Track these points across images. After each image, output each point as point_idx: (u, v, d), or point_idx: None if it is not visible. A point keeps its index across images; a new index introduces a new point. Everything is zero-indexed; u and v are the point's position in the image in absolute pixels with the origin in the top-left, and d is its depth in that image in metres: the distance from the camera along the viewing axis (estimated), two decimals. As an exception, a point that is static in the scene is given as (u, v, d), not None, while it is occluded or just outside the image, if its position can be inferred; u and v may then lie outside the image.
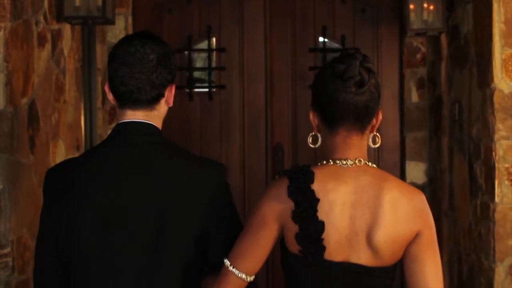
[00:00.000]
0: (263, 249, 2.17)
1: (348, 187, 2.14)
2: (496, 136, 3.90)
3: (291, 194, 2.12)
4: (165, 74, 2.31)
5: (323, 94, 2.19)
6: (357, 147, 2.20)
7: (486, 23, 4.00)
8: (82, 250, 2.26)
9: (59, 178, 2.34)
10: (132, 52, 2.28)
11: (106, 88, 2.35)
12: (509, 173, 3.90)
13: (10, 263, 3.29)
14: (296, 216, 2.10)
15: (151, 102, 2.30)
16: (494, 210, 3.92)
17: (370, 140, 2.24)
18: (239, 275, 2.17)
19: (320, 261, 2.11)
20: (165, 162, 2.28)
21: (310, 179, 2.12)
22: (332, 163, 2.18)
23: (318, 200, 2.11)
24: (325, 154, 2.23)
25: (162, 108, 2.35)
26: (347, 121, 2.17)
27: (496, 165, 3.90)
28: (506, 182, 3.90)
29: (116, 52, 2.31)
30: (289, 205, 2.12)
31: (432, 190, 5.37)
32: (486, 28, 4.01)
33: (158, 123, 2.34)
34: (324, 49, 5.44)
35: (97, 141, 4.97)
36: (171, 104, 2.37)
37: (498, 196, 3.90)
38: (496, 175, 3.90)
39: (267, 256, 2.20)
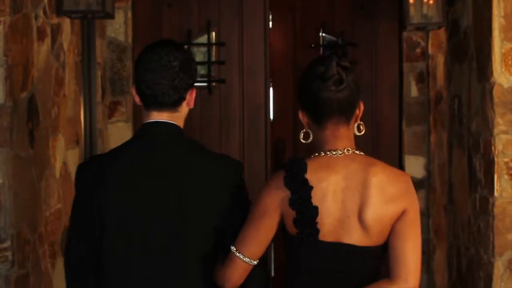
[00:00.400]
0: (265, 236, 2.42)
1: (338, 175, 2.38)
2: (496, 131, 3.91)
3: (287, 183, 2.36)
4: (186, 79, 2.54)
5: (308, 94, 2.44)
6: (344, 137, 2.44)
7: (485, 17, 4.00)
8: (111, 240, 2.48)
9: (90, 171, 2.55)
10: (156, 59, 2.51)
11: (133, 91, 2.58)
12: (508, 168, 3.90)
13: (10, 257, 3.29)
14: (292, 203, 2.35)
15: (174, 105, 2.55)
16: (493, 204, 3.92)
17: (355, 128, 2.48)
18: (244, 259, 2.42)
19: (315, 242, 2.36)
20: (187, 159, 2.52)
21: (304, 169, 2.36)
22: (323, 154, 2.43)
23: (311, 187, 2.35)
24: (317, 148, 2.46)
25: (184, 109, 2.60)
26: (333, 116, 2.42)
27: (496, 159, 3.90)
28: (505, 177, 3.90)
29: (142, 59, 2.55)
30: (287, 193, 2.37)
31: (431, 184, 5.38)
32: (485, 22, 4.01)
33: (180, 123, 2.58)
34: (323, 44, 5.44)
35: (97, 135, 4.97)
36: (191, 106, 2.62)
37: (497, 190, 3.90)
38: (496, 170, 3.91)
39: (270, 241, 2.44)
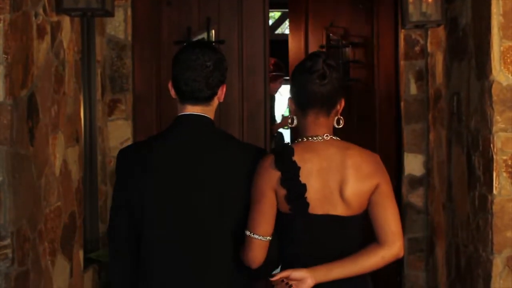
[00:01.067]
0: (269, 213, 2.74)
1: (321, 157, 2.74)
2: (494, 128, 3.91)
3: (278, 165, 2.70)
4: (219, 76, 2.87)
5: (296, 85, 2.81)
6: (324, 126, 2.79)
7: (484, 15, 4.01)
8: (150, 220, 2.78)
9: (131, 157, 2.86)
10: (194, 59, 2.83)
11: (169, 85, 2.90)
12: (507, 165, 3.91)
13: (10, 255, 3.30)
14: (283, 182, 2.70)
15: (207, 99, 2.88)
16: (492, 202, 3.93)
17: (335, 122, 2.82)
18: (260, 237, 2.74)
19: (306, 215, 2.72)
20: (218, 147, 2.84)
21: (291, 152, 2.71)
22: (306, 139, 2.78)
23: (299, 168, 2.70)
24: (300, 132, 2.82)
25: (215, 103, 2.92)
26: (314, 106, 2.77)
27: (494, 157, 3.91)
28: (504, 174, 3.91)
29: (181, 58, 2.86)
30: (278, 174, 2.71)
31: (430, 182, 5.39)
32: (484, 20, 4.01)
33: (211, 115, 2.91)
34: (327, 45, 5.46)
35: (97, 133, 4.98)
36: (221, 100, 2.94)
37: (496, 188, 3.91)
38: (494, 167, 3.91)
39: (275, 217, 2.75)
